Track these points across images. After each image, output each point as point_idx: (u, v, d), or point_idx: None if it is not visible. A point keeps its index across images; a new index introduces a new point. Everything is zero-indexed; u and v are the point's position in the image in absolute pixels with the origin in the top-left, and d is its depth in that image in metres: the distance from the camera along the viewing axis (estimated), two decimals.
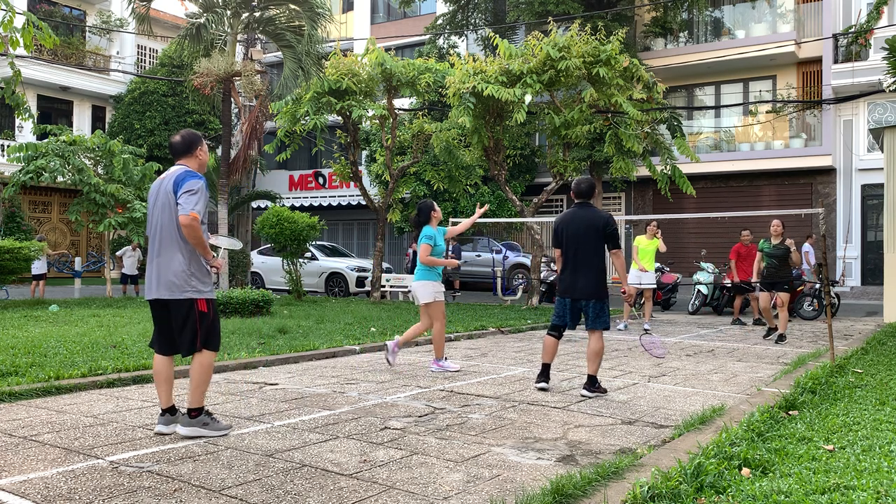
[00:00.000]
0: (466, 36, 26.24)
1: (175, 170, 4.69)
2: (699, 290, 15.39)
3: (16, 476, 3.76)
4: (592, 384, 6.20)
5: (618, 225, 6.18)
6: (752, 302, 13.07)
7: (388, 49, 20.87)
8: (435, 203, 7.68)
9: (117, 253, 19.12)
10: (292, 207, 20.23)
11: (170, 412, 4.66)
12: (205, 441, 4.48)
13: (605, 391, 6.24)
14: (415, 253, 21.84)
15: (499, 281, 17.97)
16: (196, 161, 4.78)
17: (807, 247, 17.17)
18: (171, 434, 4.60)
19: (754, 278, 11.58)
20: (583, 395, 6.15)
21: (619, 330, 11.95)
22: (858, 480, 3.51)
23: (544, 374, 6.44)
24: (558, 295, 6.41)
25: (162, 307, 4.61)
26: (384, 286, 18.20)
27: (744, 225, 15.17)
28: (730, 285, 14.24)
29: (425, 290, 7.42)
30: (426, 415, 5.35)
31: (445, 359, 7.53)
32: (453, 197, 21.49)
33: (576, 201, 6.47)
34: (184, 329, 4.55)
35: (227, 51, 14.97)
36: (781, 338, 10.26)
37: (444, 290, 7.62)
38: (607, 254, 6.25)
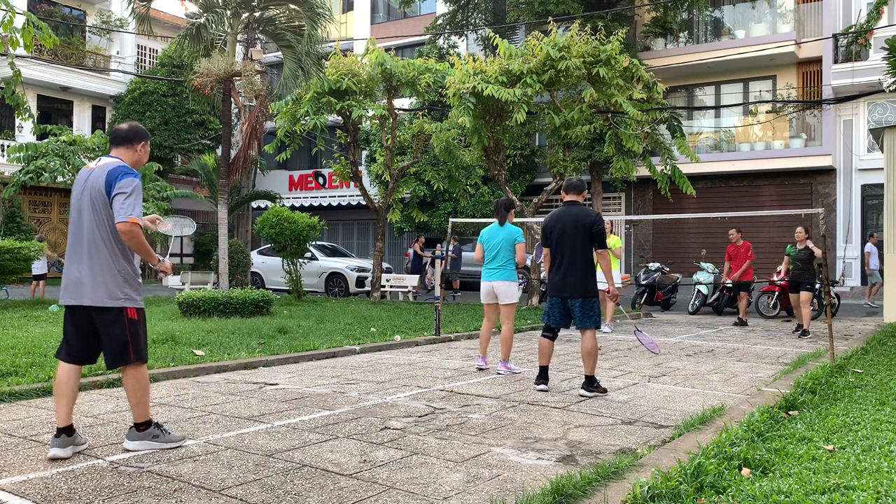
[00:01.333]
0: (466, 36, 26.24)
1: (107, 162, 4.26)
2: (699, 290, 15.39)
3: (16, 476, 3.76)
4: (590, 384, 6.20)
5: (605, 224, 6.19)
6: (741, 301, 13.12)
7: (388, 49, 20.87)
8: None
9: None
10: (292, 207, 20.23)
11: (66, 432, 4.12)
12: (204, 441, 4.48)
13: (605, 391, 6.23)
14: (415, 253, 21.87)
15: None
16: (133, 156, 4.39)
17: (869, 247, 17.52)
18: (68, 458, 4.07)
19: (780, 277, 12.99)
20: (581, 396, 6.15)
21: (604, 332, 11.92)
22: (858, 480, 3.50)
23: (543, 376, 6.45)
24: (549, 294, 6.43)
25: (84, 314, 4.18)
26: (384, 286, 18.19)
27: (739, 225, 15.20)
28: (730, 285, 14.31)
29: (515, 289, 7.40)
30: (426, 415, 5.35)
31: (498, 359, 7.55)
32: (453, 197, 21.48)
33: (564, 200, 6.51)
34: (112, 339, 4.14)
35: (227, 51, 14.96)
36: (804, 332, 11.14)
37: None
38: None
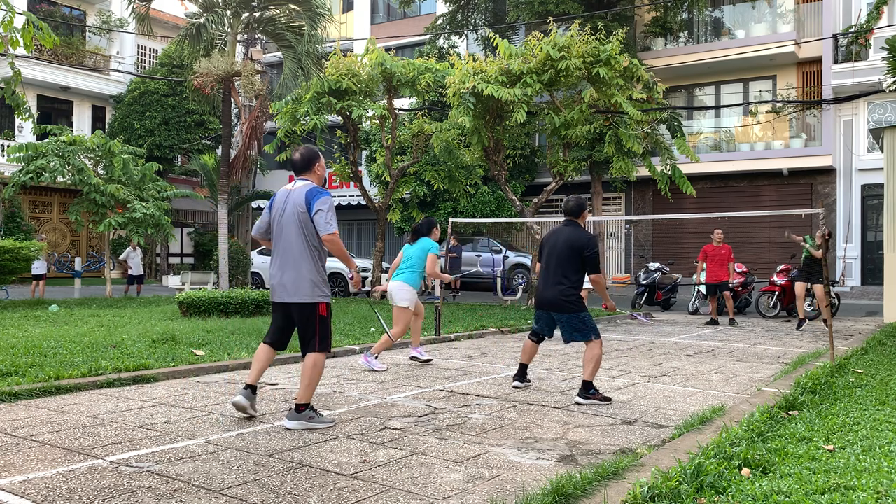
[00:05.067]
0: (466, 36, 26.23)
1: (301, 185, 5.01)
2: (699, 290, 15.38)
3: (16, 476, 3.76)
4: (587, 390, 5.80)
5: (599, 249, 5.94)
6: (727, 302, 13.09)
7: (388, 49, 20.86)
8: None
9: (120, 257, 19.15)
10: None
11: (252, 389, 5.04)
12: (204, 441, 4.48)
13: (608, 400, 5.82)
14: None
15: (499, 281, 17.96)
16: (315, 176, 5.10)
17: None
18: (248, 411, 5.01)
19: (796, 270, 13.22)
20: (576, 403, 5.78)
21: None
22: (858, 480, 3.50)
23: (521, 374, 6.49)
24: (535, 306, 6.49)
25: (286, 309, 4.99)
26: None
27: (724, 227, 15.19)
28: (702, 288, 14.28)
29: (408, 294, 7.77)
30: (426, 415, 5.35)
31: (376, 357, 7.67)
32: (453, 197, 21.47)
33: (564, 219, 6.39)
34: (307, 329, 4.93)
35: (227, 51, 14.97)
36: (823, 321, 11.53)
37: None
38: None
